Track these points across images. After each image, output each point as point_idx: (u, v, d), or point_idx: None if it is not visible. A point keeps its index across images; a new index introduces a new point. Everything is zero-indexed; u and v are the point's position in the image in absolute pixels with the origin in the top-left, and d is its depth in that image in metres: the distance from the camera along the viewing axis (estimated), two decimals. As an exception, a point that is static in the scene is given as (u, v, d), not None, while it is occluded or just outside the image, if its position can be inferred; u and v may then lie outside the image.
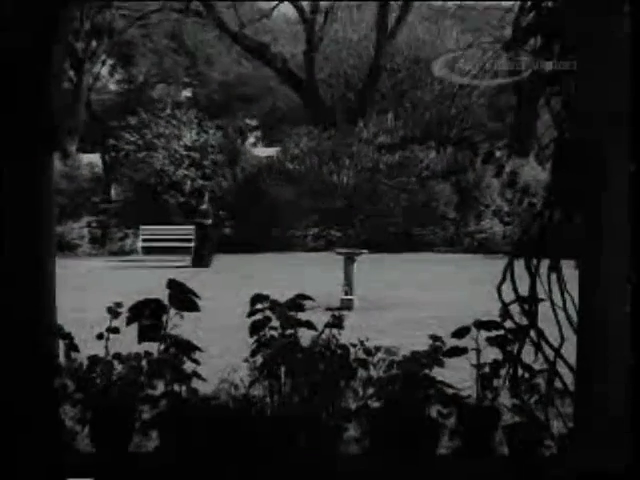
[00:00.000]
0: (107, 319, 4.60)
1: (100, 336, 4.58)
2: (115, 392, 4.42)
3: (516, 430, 4.33)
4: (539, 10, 4.35)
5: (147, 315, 4.47)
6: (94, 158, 24.98)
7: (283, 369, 4.42)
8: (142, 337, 4.48)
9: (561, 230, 4.29)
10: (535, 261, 4.30)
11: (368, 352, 4.54)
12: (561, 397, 4.27)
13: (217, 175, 21.54)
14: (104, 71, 32.98)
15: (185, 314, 4.54)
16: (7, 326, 4.30)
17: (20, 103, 4.31)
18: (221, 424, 4.25)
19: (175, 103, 24.22)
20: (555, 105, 4.32)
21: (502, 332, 4.48)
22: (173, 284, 4.56)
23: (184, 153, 21.67)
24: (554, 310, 4.18)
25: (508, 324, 4.47)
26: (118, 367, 4.53)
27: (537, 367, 4.37)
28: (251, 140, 33.82)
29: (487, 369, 4.48)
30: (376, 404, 4.44)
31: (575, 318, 3.66)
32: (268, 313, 4.55)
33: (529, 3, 4.39)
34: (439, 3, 31.51)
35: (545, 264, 4.29)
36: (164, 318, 4.48)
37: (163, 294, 4.56)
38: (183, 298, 4.51)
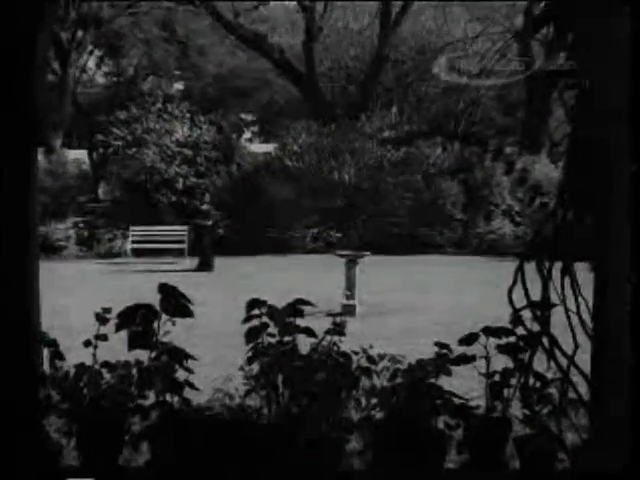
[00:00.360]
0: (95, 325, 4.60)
1: (87, 343, 4.57)
2: (103, 403, 4.41)
3: (528, 442, 4.32)
4: (551, -2, 4.38)
5: (138, 321, 4.47)
6: (81, 154, 24.96)
7: (281, 378, 4.42)
8: (132, 344, 4.48)
9: (575, 231, 4.29)
10: (547, 264, 4.31)
11: (371, 360, 4.54)
12: (575, 408, 4.28)
13: (211, 173, 21.54)
14: (91, 63, 32.98)
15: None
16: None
17: (1, 96, 4.30)
18: (216, 435, 4.25)
19: (166, 96, 24.15)
20: (569, 100, 4.33)
21: (513, 339, 4.49)
22: (164, 288, 4.55)
23: (176, 149, 21.66)
24: (568, 316, 4.18)
25: (519, 330, 4.48)
26: (107, 376, 4.52)
27: (550, 376, 4.37)
28: (247, 136, 33.83)
29: (497, 378, 4.48)
30: (380, 415, 4.43)
31: (590, 324, 3.66)
32: (265, 319, 4.55)
33: (541, -9, 4.41)
34: (446, -10, 31.48)
35: (558, 267, 4.29)
36: (155, 324, 4.48)
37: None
38: (175, 303, 4.51)
